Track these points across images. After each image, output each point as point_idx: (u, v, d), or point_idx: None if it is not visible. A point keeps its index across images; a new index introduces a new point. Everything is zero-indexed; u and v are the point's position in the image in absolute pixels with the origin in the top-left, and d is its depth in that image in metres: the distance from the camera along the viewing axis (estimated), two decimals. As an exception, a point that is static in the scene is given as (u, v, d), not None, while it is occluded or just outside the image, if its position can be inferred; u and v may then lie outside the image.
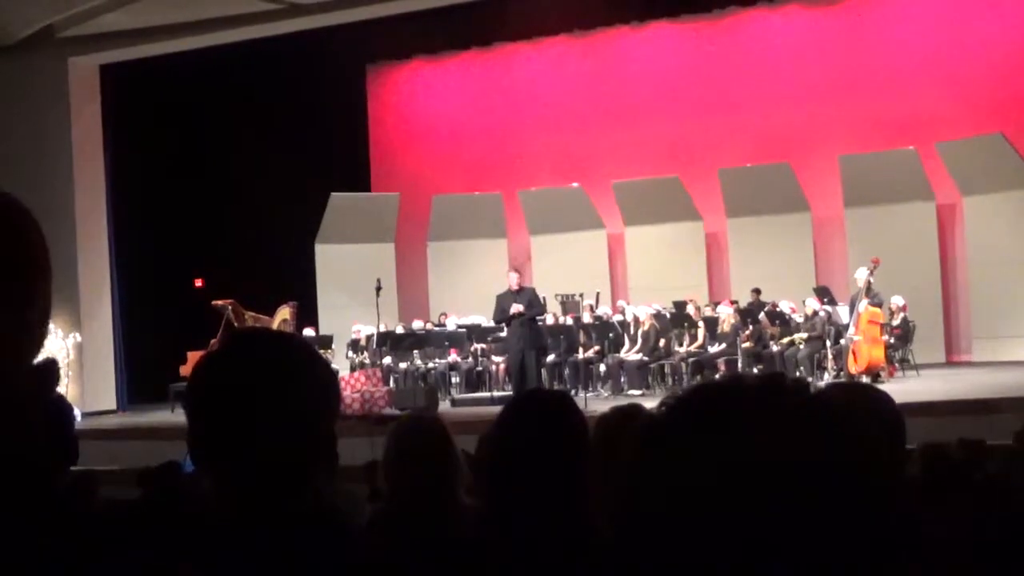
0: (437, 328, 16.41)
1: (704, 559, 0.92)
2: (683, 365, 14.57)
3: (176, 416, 14.44)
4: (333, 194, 18.57)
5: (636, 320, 15.17)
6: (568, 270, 17.31)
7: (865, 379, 12.75)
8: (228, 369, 1.63)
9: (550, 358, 14.59)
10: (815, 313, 14.41)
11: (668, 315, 15.26)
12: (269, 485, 1.58)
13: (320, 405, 1.63)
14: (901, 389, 11.54)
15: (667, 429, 0.99)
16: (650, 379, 14.61)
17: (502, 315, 13.02)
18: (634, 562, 0.95)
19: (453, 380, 16.02)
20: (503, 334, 14.98)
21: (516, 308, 12.67)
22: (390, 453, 3.08)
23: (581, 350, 15.13)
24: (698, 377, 14.49)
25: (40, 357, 1.30)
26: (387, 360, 15.80)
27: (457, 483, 3.01)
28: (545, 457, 2.28)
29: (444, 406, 14.04)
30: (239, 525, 1.56)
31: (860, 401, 2.45)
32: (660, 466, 0.96)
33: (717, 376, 12.89)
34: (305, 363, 1.65)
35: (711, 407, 0.98)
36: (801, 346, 14.17)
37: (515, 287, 12.88)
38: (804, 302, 14.63)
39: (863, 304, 13.47)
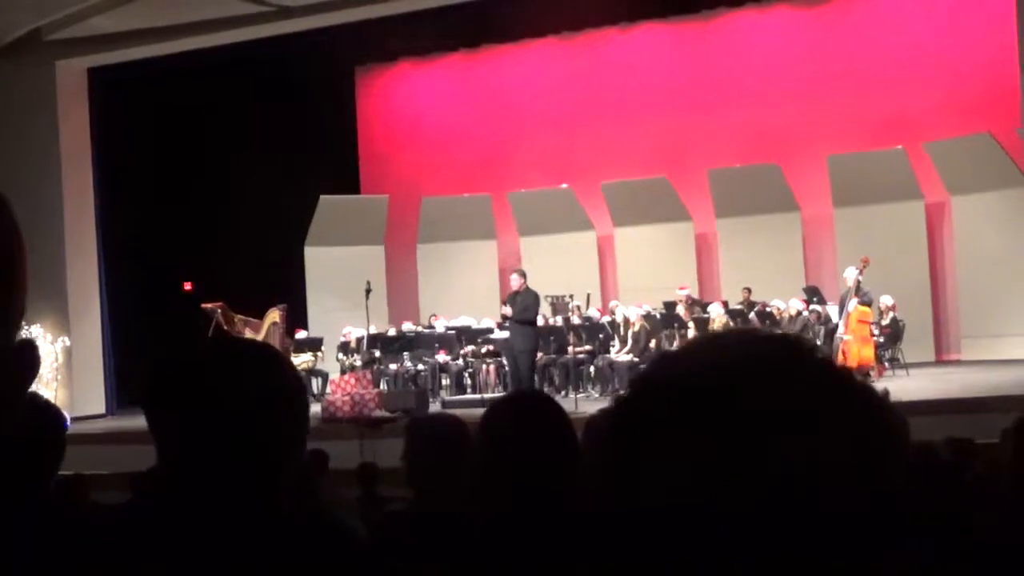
0: (427, 330, 16.40)
1: (682, 553, 0.84)
2: (673, 365, 14.55)
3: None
4: (322, 196, 18.54)
5: (626, 321, 15.17)
6: (558, 271, 17.27)
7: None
8: (183, 377, 1.62)
9: (540, 359, 14.58)
10: (799, 313, 14.43)
11: (658, 316, 15.27)
12: (241, 492, 1.57)
13: (284, 410, 1.61)
14: (891, 388, 11.52)
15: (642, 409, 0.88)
16: (640, 380, 14.58)
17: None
18: (612, 561, 0.88)
19: (443, 382, 16.00)
20: (493, 336, 15.01)
21: (505, 311, 12.78)
22: (417, 453, 3.09)
23: (571, 351, 15.11)
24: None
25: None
26: (377, 362, 15.79)
27: None
28: (526, 459, 2.29)
29: (434, 408, 14.02)
30: (226, 529, 1.56)
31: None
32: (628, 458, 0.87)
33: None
34: (267, 370, 1.63)
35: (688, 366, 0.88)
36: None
37: (513, 289, 12.95)
38: (788, 303, 14.66)
39: (852, 303, 13.48)
